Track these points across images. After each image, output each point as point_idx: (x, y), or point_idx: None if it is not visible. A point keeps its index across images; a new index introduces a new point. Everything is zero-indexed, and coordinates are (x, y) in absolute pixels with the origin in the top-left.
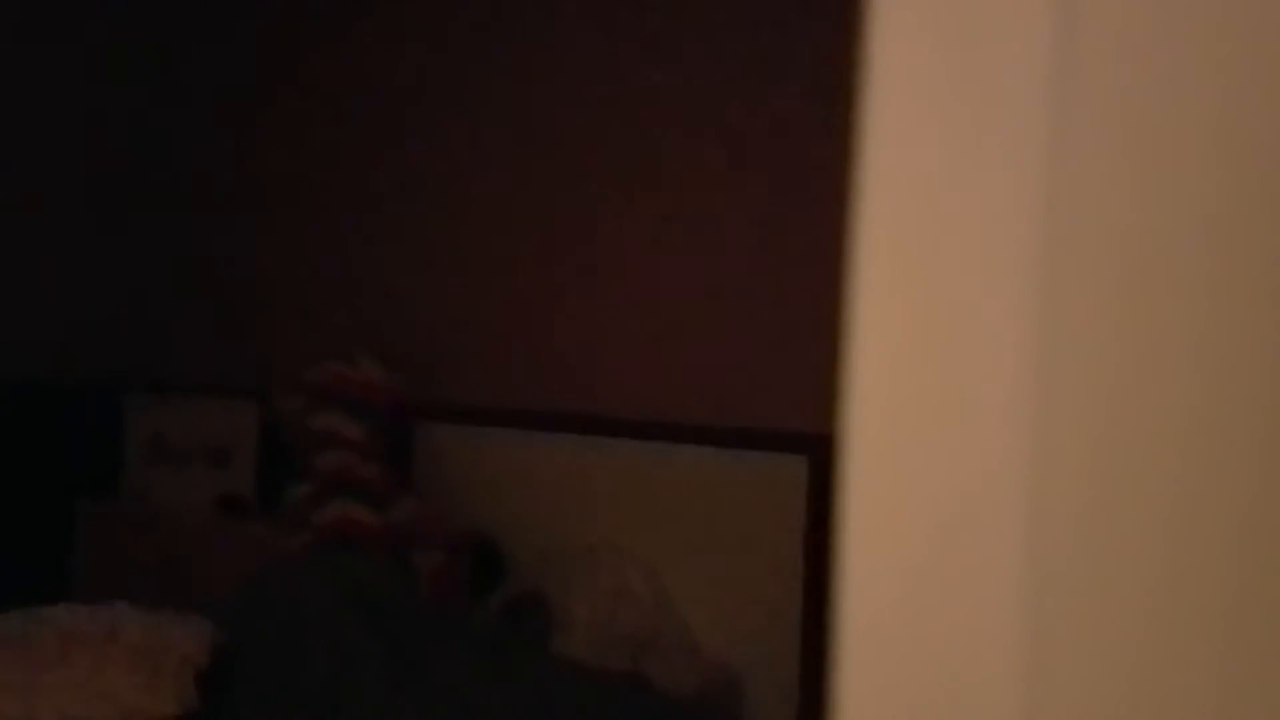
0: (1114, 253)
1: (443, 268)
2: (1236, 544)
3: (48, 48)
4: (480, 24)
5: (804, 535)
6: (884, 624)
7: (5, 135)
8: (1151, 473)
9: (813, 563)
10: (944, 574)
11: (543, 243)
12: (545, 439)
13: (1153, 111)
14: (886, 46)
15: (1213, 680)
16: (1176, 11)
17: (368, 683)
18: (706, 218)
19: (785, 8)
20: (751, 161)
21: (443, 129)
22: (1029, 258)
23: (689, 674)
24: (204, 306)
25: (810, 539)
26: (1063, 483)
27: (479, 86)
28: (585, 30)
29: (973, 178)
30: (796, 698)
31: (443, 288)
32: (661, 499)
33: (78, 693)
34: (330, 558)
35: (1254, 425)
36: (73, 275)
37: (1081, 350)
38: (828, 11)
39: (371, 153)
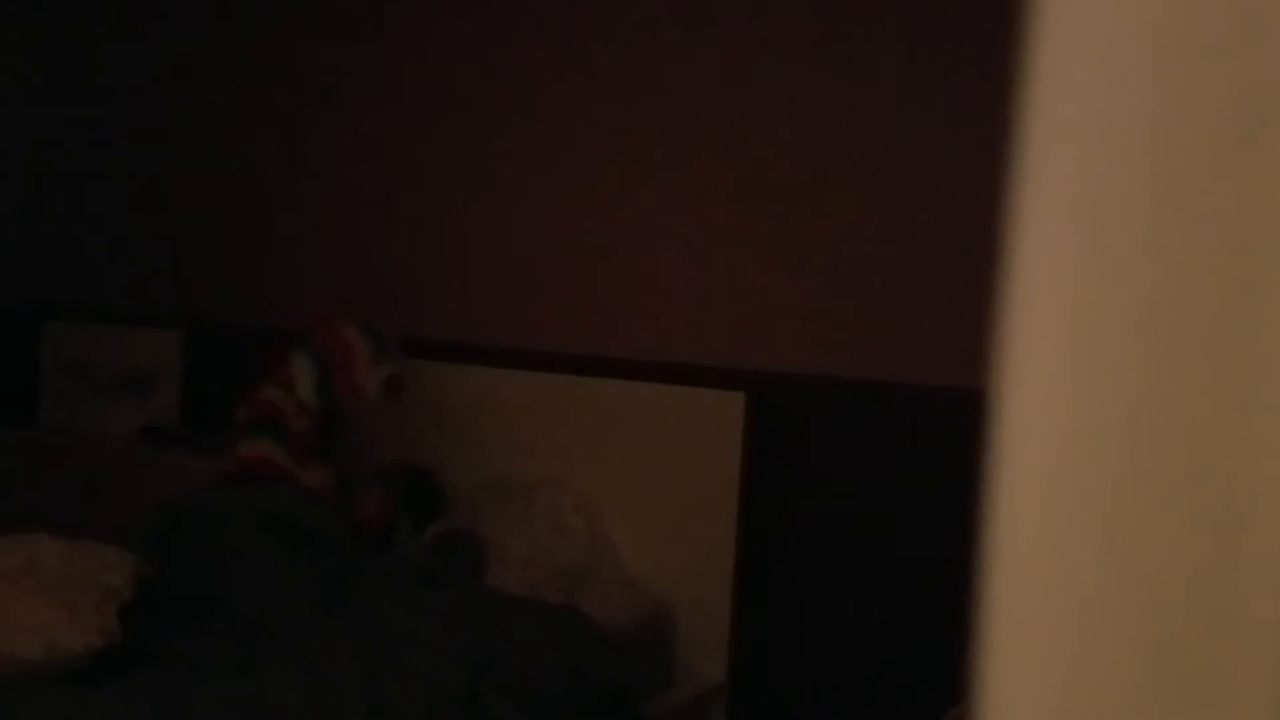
0: None
1: (374, 203)
2: None
3: None
4: None
5: (740, 470)
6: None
7: None
8: None
9: (746, 497)
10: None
11: (479, 184)
12: (483, 373)
13: None
14: None
15: None
16: None
17: (295, 611)
18: (660, 172)
19: None
20: (704, 116)
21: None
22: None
23: (623, 607)
24: (129, 231)
25: (745, 474)
26: None
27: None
28: None
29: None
30: (728, 630)
31: (375, 221)
32: (599, 434)
33: None
34: (255, 488)
35: None
36: None
37: None
38: None
39: (304, 79)
